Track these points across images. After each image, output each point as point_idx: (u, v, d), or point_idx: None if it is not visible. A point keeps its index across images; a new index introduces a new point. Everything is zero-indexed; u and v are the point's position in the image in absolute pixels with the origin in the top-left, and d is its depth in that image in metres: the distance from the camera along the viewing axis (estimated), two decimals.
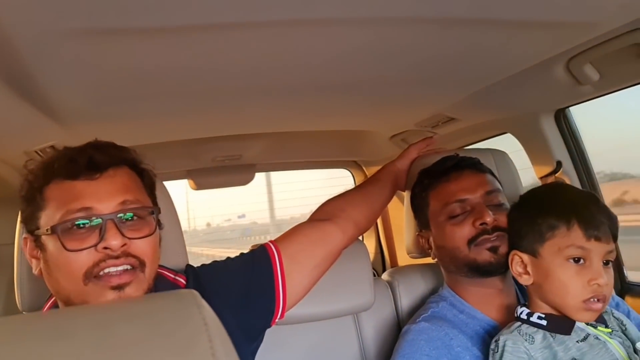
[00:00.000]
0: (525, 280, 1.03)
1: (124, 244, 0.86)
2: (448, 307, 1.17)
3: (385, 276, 1.50)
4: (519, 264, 1.03)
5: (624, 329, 1.02)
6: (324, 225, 1.19)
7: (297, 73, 1.28)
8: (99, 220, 0.86)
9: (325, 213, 1.24)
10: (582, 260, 0.95)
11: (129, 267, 0.86)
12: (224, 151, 2.20)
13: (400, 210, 1.67)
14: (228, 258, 1.15)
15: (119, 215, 0.87)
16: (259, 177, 2.47)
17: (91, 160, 0.89)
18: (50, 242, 0.87)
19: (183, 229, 1.22)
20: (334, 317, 1.27)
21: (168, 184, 1.25)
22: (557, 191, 1.08)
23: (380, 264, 2.69)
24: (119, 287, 0.85)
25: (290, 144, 2.30)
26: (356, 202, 1.29)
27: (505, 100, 1.62)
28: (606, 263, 0.96)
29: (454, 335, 1.09)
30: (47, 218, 0.88)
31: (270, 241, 1.14)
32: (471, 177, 1.19)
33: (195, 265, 1.13)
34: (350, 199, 1.30)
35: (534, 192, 1.14)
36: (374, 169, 2.63)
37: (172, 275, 1.06)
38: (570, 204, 0.99)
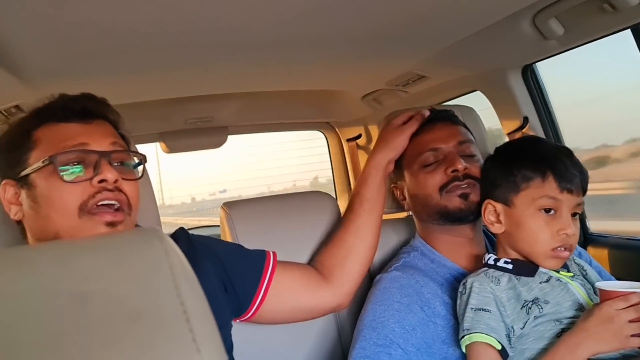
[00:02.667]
0: (497, 229, 1.06)
1: (117, 180, 0.90)
2: (419, 256, 1.20)
3: None
4: (492, 213, 1.06)
5: (584, 273, 1.07)
6: (320, 283, 1.17)
7: (266, 28, 1.27)
8: (95, 155, 0.90)
9: (327, 267, 1.19)
10: (552, 211, 0.99)
11: (118, 204, 0.90)
12: (195, 113, 2.18)
13: None
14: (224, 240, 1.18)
15: (112, 154, 0.92)
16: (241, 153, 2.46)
17: (85, 107, 0.95)
18: (42, 178, 0.89)
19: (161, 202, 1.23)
20: None
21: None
22: (533, 144, 1.10)
23: None
24: (112, 224, 0.89)
25: (262, 105, 2.29)
26: (360, 251, 1.19)
27: (474, 56, 1.63)
28: (574, 215, 1.00)
29: (424, 282, 1.12)
30: (40, 155, 0.90)
31: (272, 252, 1.16)
32: (444, 128, 1.21)
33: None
34: (355, 249, 1.19)
35: (510, 145, 1.17)
36: (347, 130, 2.66)
37: None
38: (545, 156, 1.02)
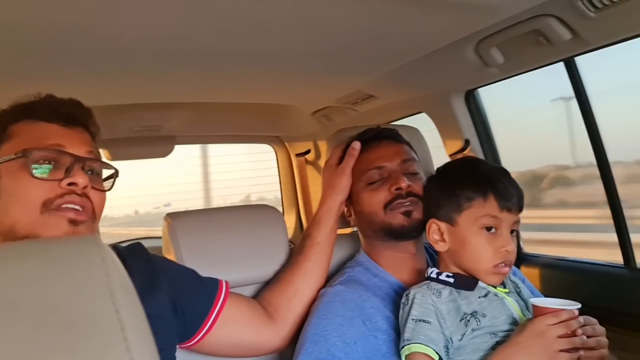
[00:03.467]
0: (441, 247, 1.09)
1: (86, 186, 0.90)
2: (363, 271, 1.22)
3: None
4: (436, 232, 1.09)
5: (518, 291, 1.12)
6: (266, 321, 1.18)
7: (218, 39, 1.27)
8: (69, 158, 0.90)
9: (273, 306, 1.20)
10: (493, 229, 1.03)
11: (83, 210, 0.89)
12: (142, 121, 2.13)
13: (319, 185, 1.71)
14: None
15: (87, 161, 0.92)
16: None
17: (70, 112, 0.95)
18: (9, 171, 0.88)
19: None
20: (250, 284, 1.29)
21: None
22: (473, 165, 1.15)
23: (300, 230, 2.74)
24: (75, 222, 0.88)
25: (211, 116, 2.27)
26: (306, 294, 1.21)
27: (420, 79, 1.69)
28: (512, 232, 1.05)
29: (367, 297, 1.14)
30: (13, 148, 0.89)
31: (225, 282, 1.16)
32: (389, 147, 1.25)
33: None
34: (301, 292, 1.21)
35: (451, 165, 1.21)
36: (296, 145, 2.67)
37: None
38: (486, 177, 1.06)
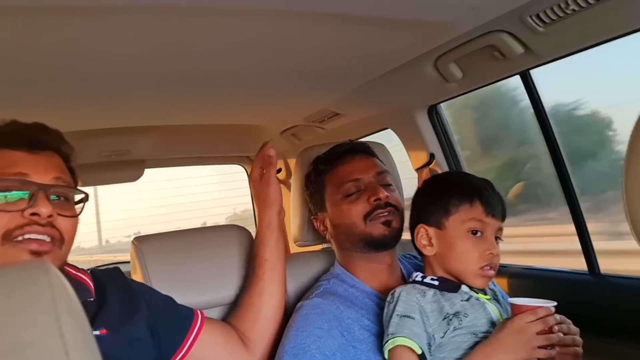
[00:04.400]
0: (429, 252, 1.13)
1: (51, 215, 0.88)
2: (339, 282, 1.24)
3: None
4: (424, 237, 1.13)
5: (497, 298, 1.16)
6: (240, 345, 1.18)
7: (185, 63, 1.28)
8: (32, 187, 0.88)
9: (241, 331, 1.20)
10: (479, 233, 1.08)
11: (49, 238, 0.88)
12: (111, 146, 2.12)
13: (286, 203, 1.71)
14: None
15: (51, 189, 0.90)
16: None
17: (36, 137, 0.93)
18: None
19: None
20: (219, 306, 1.28)
21: None
22: (460, 176, 1.23)
23: None
24: (37, 253, 0.86)
25: (181, 138, 2.27)
26: (268, 312, 1.22)
27: (384, 96, 1.73)
28: (496, 239, 1.10)
29: (344, 308, 1.16)
30: None
31: (201, 312, 1.16)
32: (363, 160, 1.29)
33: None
34: (262, 312, 1.22)
35: (439, 176, 1.30)
36: None
37: (74, 271, 1.05)
38: (473, 185, 1.12)
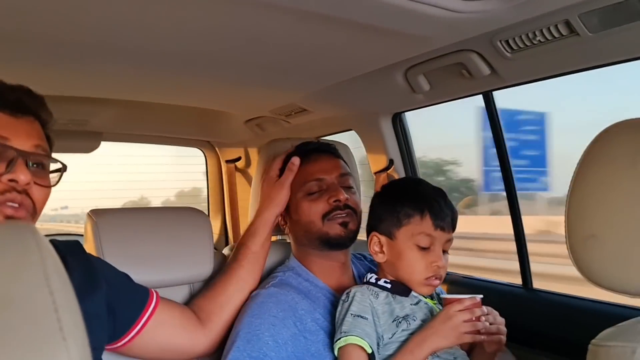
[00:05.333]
0: (380, 259, 1.17)
1: (28, 183, 0.86)
2: (294, 275, 1.27)
3: (226, 250, 1.54)
4: (377, 244, 1.17)
5: (440, 299, 1.21)
6: (197, 326, 1.19)
7: (154, 38, 1.26)
8: (12, 153, 0.85)
9: (205, 312, 1.21)
10: (427, 246, 1.12)
11: (22, 206, 0.86)
12: (69, 114, 2.06)
13: (247, 192, 1.73)
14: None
15: (31, 156, 0.88)
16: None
17: (20, 100, 0.90)
18: None
19: None
20: (172, 286, 1.29)
21: None
22: (414, 184, 1.25)
23: (224, 244, 2.74)
24: (12, 218, 0.84)
25: (142, 115, 2.23)
26: (237, 301, 1.23)
27: (352, 98, 1.77)
28: (444, 251, 1.14)
29: (299, 300, 1.19)
30: None
31: (155, 291, 1.16)
32: (328, 161, 1.32)
33: None
34: (233, 299, 1.23)
35: (394, 183, 1.32)
36: (227, 151, 2.68)
37: None
38: (424, 196, 1.15)
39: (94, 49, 1.34)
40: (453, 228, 1.16)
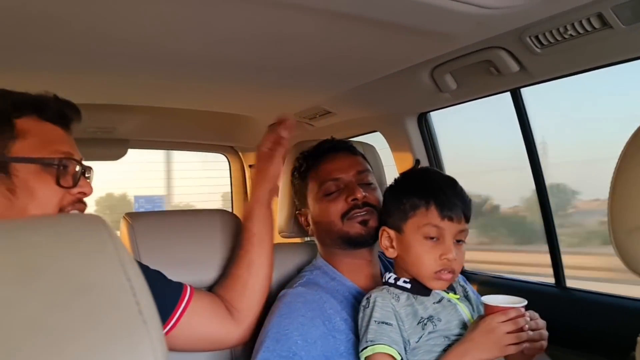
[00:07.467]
0: (390, 254, 1.16)
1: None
2: (321, 274, 1.27)
3: None
4: (387, 239, 1.15)
5: (467, 294, 1.20)
6: (227, 315, 1.20)
7: (181, 45, 1.28)
8: (79, 166, 0.95)
9: (227, 301, 1.22)
10: (435, 238, 1.09)
11: None
12: (97, 122, 2.10)
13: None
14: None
15: (87, 170, 0.99)
16: None
17: (72, 117, 0.99)
18: (26, 170, 0.91)
19: None
20: (206, 287, 1.30)
21: None
22: (422, 175, 1.22)
23: None
24: None
25: (167, 121, 2.26)
26: (255, 285, 1.23)
27: (377, 99, 1.78)
28: (458, 241, 1.11)
29: (326, 299, 1.19)
30: (28, 148, 0.92)
31: (190, 286, 1.18)
32: (345, 159, 1.31)
33: None
34: (249, 284, 1.23)
35: (404, 175, 1.27)
36: (250, 156, 2.70)
37: None
38: (430, 187, 1.12)
39: (124, 57, 1.37)
40: (466, 218, 1.11)
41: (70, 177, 0.94)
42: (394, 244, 1.14)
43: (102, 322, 0.34)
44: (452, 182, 1.15)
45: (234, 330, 1.20)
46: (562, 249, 1.61)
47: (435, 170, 1.22)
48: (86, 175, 0.98)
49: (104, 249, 0.39)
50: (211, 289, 1.30)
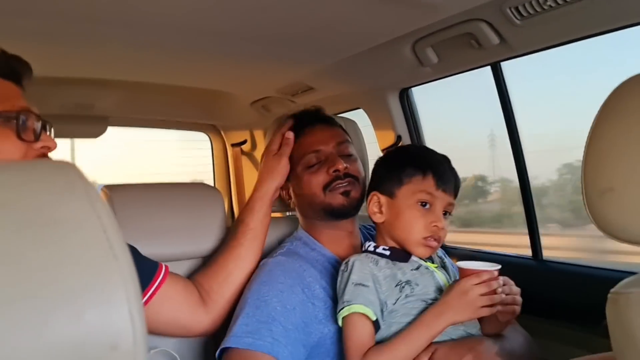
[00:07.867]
0: (378, 219, 1.18)
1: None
2: (302, 245, 1.29)
3: None
4: (376, 204, 1.17)
5: (444, 264, 1.22)
6: (200, 303, 1.20)
7: (157, 10, 1.25)
8: (39, 120, 0.91)
9: (205, 289, 1.21)
10: (427, 205, 1.12)
11: None
12: (75, 98, 2.06)
13: (253, 176, 1.73)
14: None
15: (47, 122, 0.94)
16: None
17: (22, 72, 0.95)
18: None
19: None
20: (185, 259, 1.30)
21: None
22: (419, 149, 1.27)
23: (231, 221, 2.74)
24: None
25: (147, 98, 2.23)
26: (238, 279, 1.23)
27: (359, 74, 1.77)
28: (445, 214, 1.14)
29: (306, 268, 1.20)
30: None
31: (165, 265, 1.17)
32: (324, 131, 1.32)
33: None
34: (233, 276, 1.23)
35: (399, 148, 1.32)
36: (232, 134, 2.68)
37: None
38: (428, 159, 1.16)
39: (96, 24, 1.32)
40: (456, 193, 1.16)
41: (30, 131, 0.90)
42: (383, 209, 1.16)
43: (72, 255, 0.34)
44: (447, 159, 1.20)
45: (204, 319, 1.20)
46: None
47: (430, 148, 1.25)
48: (47, 130, 0.94)
49: (74, 189, 0.38)
50: (191, 262, 1.31)
